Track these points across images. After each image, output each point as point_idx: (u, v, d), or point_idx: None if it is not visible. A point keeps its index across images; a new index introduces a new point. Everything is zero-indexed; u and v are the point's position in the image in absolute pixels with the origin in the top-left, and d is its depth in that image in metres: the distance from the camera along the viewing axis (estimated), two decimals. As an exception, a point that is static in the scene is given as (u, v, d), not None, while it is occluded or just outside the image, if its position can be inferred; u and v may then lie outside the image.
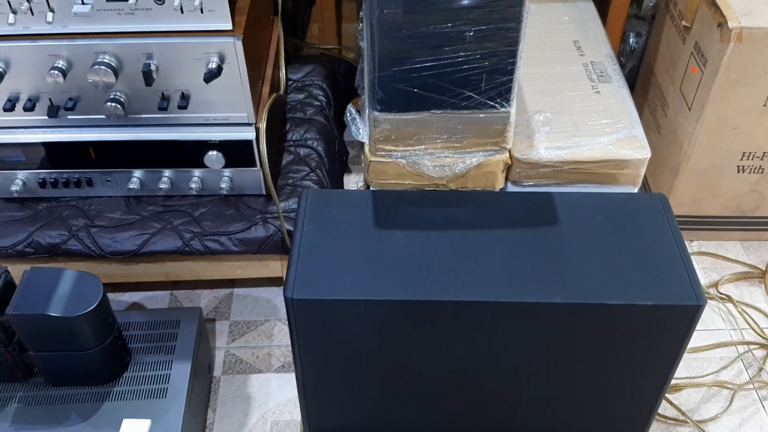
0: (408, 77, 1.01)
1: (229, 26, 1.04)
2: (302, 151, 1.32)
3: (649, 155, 1.11)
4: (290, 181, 1.26)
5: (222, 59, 1.06)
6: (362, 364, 0.99)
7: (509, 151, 1.12)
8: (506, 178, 1.16)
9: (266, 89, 1.21)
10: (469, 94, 1.03)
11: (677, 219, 1.47)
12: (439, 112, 1.05)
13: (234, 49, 1.05)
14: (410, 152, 1.10)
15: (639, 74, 1.61)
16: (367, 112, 1.08)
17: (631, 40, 1.60)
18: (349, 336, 0.96)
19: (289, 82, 1.48)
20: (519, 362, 0.99)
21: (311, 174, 1.28)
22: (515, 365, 0.99)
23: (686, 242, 1.51)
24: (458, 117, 1.06)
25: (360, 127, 1.12)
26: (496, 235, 0.99)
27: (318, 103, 1.43)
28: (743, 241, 1.50)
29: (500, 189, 1.16)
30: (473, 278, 0.93)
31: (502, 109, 1.05)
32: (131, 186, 1.19)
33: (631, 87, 1.64)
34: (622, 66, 1.63)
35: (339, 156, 1.43)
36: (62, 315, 0.98)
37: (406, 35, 0.97)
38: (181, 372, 1.11)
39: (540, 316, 0.92)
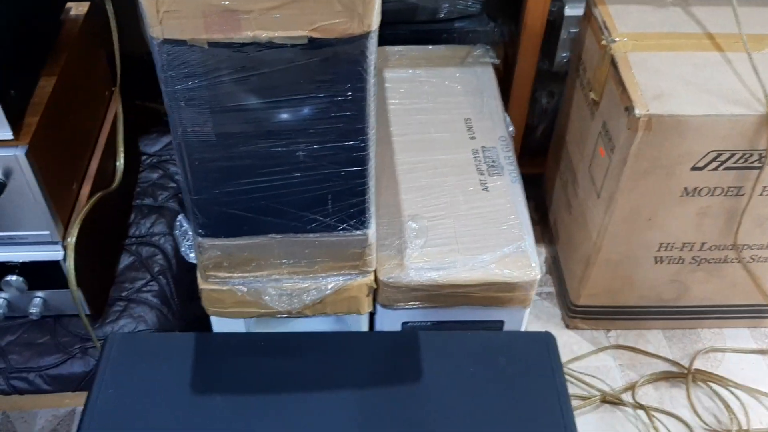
0: (233, 200, 0.81)
1: (8, 135, 0.83)
2: (145, 250, 1.11)
3: (538, 276, 0.93)
4: (124, 293, 1.05)
5: (7, 174, 0.85)
6: None
7: (375, 272, 0.93)
8: (375, 300, 0.97)
9: (86, 189, 1.00)
10: (314, 216, 0.84)
11: (592, 309, 1.31)
12: (279, 236, 0.86)
13: (18, 164, 0.83)
14: (250, 279, 0.90)
15: (552, 138, 1.43)
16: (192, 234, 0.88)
17: (543, 99, 1.42)
18: None
19: (144, 158, 1.27)
20: None
21: (152, 283, 1.07)
22: None
23: (603, 332, 1.35)
24: (304, 240, 0.87)
25: (191, 245, 0.92)
26: (344, 396, 0.80)
27: (174, 185, 1.22)
28: (666, 330, 1.34)
29: (368, 312, 0.97)
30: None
31: (357, 232, 0.86)
32: None
33: (544, 151, 1.46)
34: (534, 127, 1.45)
35: (199, 248, 1.22)
36: None
37: (222, 155, 0.77)
38: None
39: None
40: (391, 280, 0.93)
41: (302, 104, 0.73)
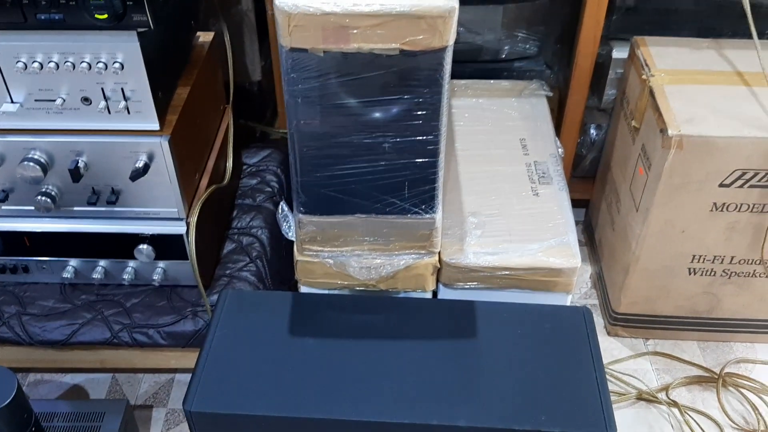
0: (330, 183, 1.01)
1: (156, 126, 1.05)
2: (245, 239, 1.32)
3: (578, 265, 1.09)
4: (228, 271, 1.26)
5: (150, 158, 1.07)
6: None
7: (439, 254, 1.11)
8: (438, 280, 1.14)
9: (205, 181, 1.22)
10: (393, 200, 1.03)
11: (631, 317, 1.45)
12: (363, 216, 1.05)
13: (161, 149, 1.05)
14: (337, 253, 1.09)
15: (599, 167, 1.60)
16: (293, 212, 1.07)
17: (592, 131, 1.59)
18: (253, 448, 0.94)
19: (244, 167, 1.49)
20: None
21: (250, 264, 1.27)
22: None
23: (641, 340, 1.49)
24: (383, 221, 1.06)
25: (291, 225, 1.12)
26: (413, 348, 0.98)
27: (269, 190, 1.43)
28: (701, 342, 1.47)
29: (431, 290, 1.14)
30: (379, 396, 0.91)
31: (427, 216, 1.05)
32: (65, 275, 1.19)
33: (592, 178, 1.63)
34: (583, 157, 1.62)
35: (288, 245, 1.42)
36: (-31, 413, 0.97)
37: (325, 144, 0.97)
38: (98, 469, 1.10)
39: (445, 438, 0.90)
40: (452, 261, 1.10)
41: (390, 104, 0.93)
